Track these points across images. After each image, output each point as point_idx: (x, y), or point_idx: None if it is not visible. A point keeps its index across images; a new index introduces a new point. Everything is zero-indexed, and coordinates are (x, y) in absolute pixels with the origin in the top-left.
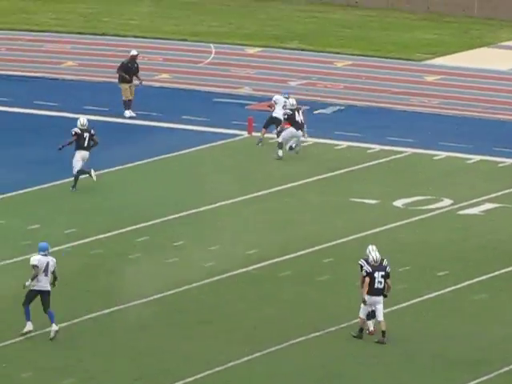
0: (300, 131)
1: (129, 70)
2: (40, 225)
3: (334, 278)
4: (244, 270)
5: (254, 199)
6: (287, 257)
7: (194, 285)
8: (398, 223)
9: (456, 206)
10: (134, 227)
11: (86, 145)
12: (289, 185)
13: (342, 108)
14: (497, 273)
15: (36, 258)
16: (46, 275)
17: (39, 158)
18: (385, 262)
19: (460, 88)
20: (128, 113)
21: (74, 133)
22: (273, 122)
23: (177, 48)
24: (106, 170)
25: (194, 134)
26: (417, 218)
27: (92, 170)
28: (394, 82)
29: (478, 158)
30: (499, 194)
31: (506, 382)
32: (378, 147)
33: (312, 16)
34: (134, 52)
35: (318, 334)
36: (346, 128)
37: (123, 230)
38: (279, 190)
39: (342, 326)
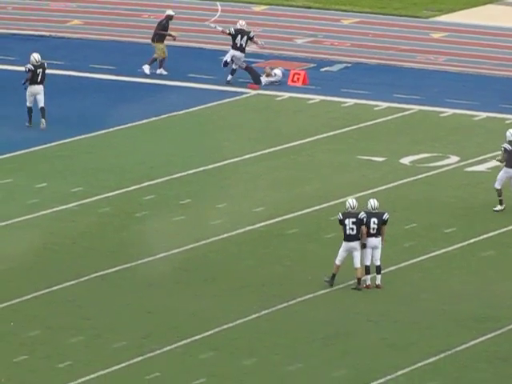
0: (239, 52)
1: (165, 29)
2: (47, 183)
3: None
4: (251, 227)
5: (261, 157)
6: (294, 214)
7: (202, 243)
8: (404, 180)
9: (463, 163)
10: (141, 185)
11: (39, 80)
12: (296, 142)
13: (349, 65)
14: (504, 229)
15: None
16: None
17: (46, 117)
18: (360, 215)
19: (466, 45)
20: (147, 69)
21: (27, 69)
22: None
23: (183, 6)
24: (113, 129)
25: (200, 92)
26: (424, 175)
27: (43, 120)
28: (400, 39)
29: (484, 115)
30: None
31: None
32: (384, 105)
33: None
34: (170, 12)
35: (325, 291)
36: (352, 86)
37: (130, 189)
38: (286, 147)
39: (350, 283)
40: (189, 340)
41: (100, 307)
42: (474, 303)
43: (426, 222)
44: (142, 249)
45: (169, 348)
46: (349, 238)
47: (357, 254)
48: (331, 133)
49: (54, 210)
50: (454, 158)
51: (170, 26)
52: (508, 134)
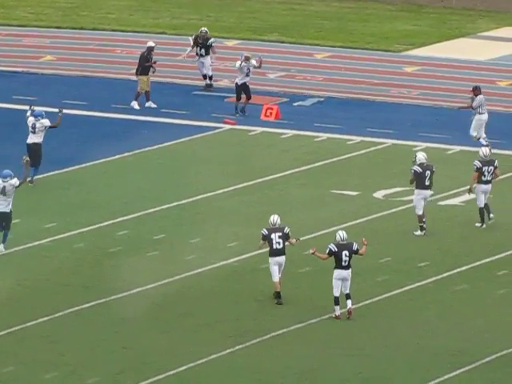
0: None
1: (148, 61)
2: (20, 219)
3: (314, 270)
4: (225, 262)
5: (234, 192)
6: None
7: (176, 278)
8: (378, 214)
9: (436, 197)
10: (115, 221)
11: None
12: (269, 177)
13: (322, 100)
14: (477, 263)
15: None
16: (4, 195)
17: (18, 153)
18: (286, 229)
19: (439, 79)
20: (136, 104)
21: None
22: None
23: (155, 41)
24: (86, 164)
25: (173, 127)
26: (397, 209)
27: None
28: (373, 73)
29: (457, 148)
30: None
31: (488, 371)
32: (357, 139)
33: (290, 8)
34: (151, 43)
35: (299, 325)
36: (325, 120)
37: (104, 224)
38: (260, 182)
39: (324, 317)
40: (163, 375)
41: (74, 343)
42: (448, 337)
43: (399, 255)
44: (116, 284)
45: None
46: (276, 253)
47: (281, 269)
48: (304, 167)
49: (28, 246)
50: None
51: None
52: (420, 156)
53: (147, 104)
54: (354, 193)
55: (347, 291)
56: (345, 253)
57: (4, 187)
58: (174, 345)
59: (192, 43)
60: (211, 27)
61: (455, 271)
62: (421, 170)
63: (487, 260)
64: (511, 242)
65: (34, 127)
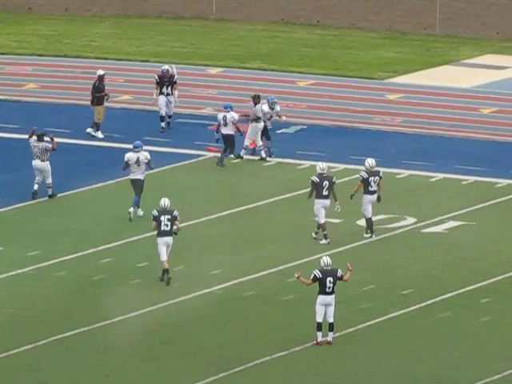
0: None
1: (100, 90)
2: (3, 247)
3: (298, 298)
4: (208, 290)
5: (217, 219)
6: (251, 277)
7: (159, 305)
8: (362, 242)
9: (419, 225)
10: (98, 249)
11: None
12: (252, 205)
13: (305, 127)
14: (461, 290)
15: (127, 155)
16: (139, 166)
17: (1, 181)
18: (175, 212)
19: (422, 106)
20: (100, 133)
21: None
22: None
23: (138, 69)
24: (69, 192)
25: (156, 154)
26: (381, 237)
27: None
28: (356, 100)
29: (441, 175)
30: (463, 211)
31: None
32: (341, 166)
33: (273, 36)
34: (100, 72)
35: (283, 353)
36: (308, 147)
37: (87, 252)
38: (243, 209)
39: (307, 345)
40: None
41: (58, 371)
42: (431, 364)
43: (383, 283)
44: (99, 312)
45: None
46: (163, 234)
47: (168, 249)
48: (287, 195)
49: (11, 274)
50: (410, 220)
51: (105, 86)
52: (317, 167)
53: (95, 133)
54: (338, 220)
55: (331, 320)
56: (329, 279)
57: (138, 158)
58: (157, 373)
59: (156, 84)
60: (194, 55)
61: (439, 299)
62: (318, 180)
63: (471, 288)
64: (494, 270)
65: (225, 119)
